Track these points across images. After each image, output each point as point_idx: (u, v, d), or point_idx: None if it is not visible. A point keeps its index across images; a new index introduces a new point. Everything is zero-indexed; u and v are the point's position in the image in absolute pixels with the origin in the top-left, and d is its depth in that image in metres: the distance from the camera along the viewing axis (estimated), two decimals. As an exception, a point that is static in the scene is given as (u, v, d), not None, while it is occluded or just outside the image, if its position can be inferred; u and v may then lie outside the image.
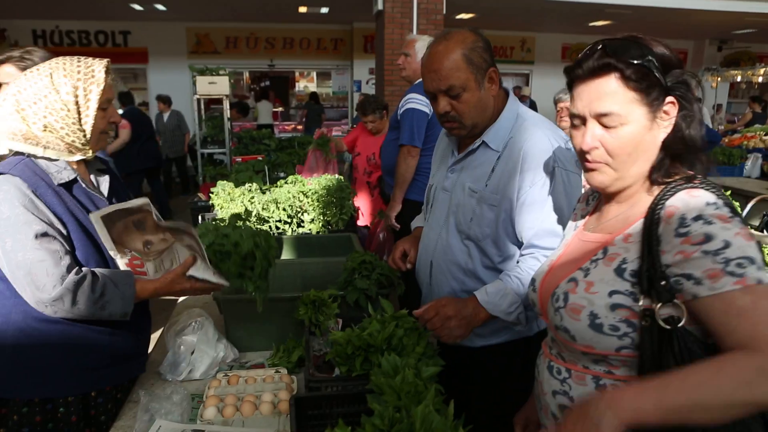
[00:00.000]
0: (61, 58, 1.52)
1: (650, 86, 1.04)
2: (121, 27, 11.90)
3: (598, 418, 0.89)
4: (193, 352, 1.74)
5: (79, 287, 1.40)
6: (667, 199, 1.03)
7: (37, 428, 1.49)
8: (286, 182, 3.47)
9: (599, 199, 1.26)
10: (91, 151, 1.57)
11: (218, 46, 12.33)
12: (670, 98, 1.05)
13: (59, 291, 1.37)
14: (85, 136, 1.51)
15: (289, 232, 2.98)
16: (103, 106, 1.52)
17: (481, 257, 1.68)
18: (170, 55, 11.94)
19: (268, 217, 2.99)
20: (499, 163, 1.62)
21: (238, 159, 5.43)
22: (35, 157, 1.48)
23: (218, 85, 6.64)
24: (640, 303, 1.01)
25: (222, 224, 1.74)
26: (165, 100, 8.99)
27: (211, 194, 3.44)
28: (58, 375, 1.49)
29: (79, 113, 1.47)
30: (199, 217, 3.26)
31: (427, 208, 1.90)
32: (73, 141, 1.50)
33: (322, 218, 3.06)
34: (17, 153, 1.48)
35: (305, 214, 3.07)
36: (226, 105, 6.96)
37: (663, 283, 0.99)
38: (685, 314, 0.97)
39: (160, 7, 10.17)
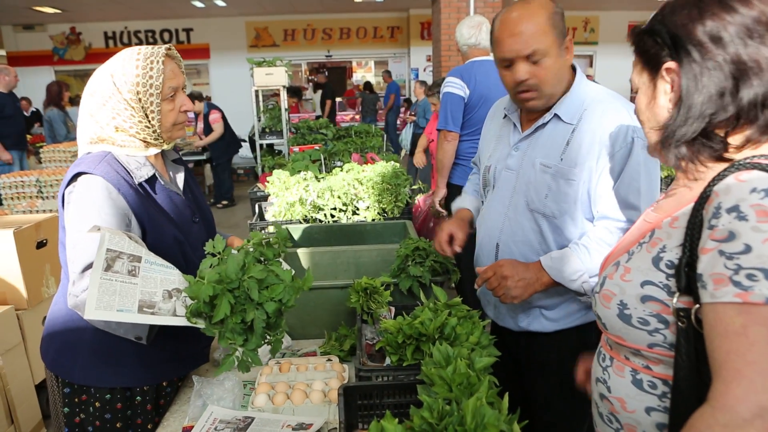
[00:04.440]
0: (123, 52, 1.48)
1: (646, 51, 0.98)
2: (184, 24, 12.31)
3: None
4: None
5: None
6: (718, 181, 0.87)
7: (118, 414, 1.52)
8: (341, 170, 3.46)
9: None
10: (165, 144, 1.55)
11: (276, 38, 12.54)
12: (668, 63, 0.93)
13: (74, 302, 1.34)
14: (155, 131, 1.49)
15: (343, 220, 2.96)
16: (168, 96, 1.48)
17: (555, 236, 1.62)
18: (231, 49, 12.25)
19: (323, 205, 2.98)
20: (575, 136, 1.56)
21: (296, 149, 5.46)
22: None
23: (275, 76, 6.71)
24: (675, 300, 0.90)
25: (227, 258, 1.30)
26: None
27: (267, 183, 3.47)
28: (135, 366, 1.52)
29: (144, 109, 1.45)
30: (256, 206, 3.29)
31: (484, 191, 1.83)
32: (145, 137, 1.49)
33: (377, 206, 3.02)
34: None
35: (360, 202, 3.04)
36: (284, 95, 7.03)
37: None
38: None
39: (220, 2, 10.42)
